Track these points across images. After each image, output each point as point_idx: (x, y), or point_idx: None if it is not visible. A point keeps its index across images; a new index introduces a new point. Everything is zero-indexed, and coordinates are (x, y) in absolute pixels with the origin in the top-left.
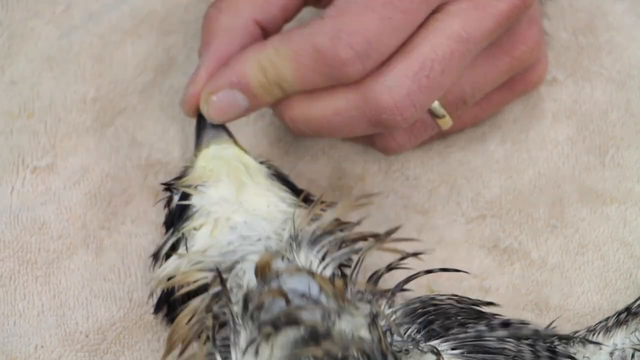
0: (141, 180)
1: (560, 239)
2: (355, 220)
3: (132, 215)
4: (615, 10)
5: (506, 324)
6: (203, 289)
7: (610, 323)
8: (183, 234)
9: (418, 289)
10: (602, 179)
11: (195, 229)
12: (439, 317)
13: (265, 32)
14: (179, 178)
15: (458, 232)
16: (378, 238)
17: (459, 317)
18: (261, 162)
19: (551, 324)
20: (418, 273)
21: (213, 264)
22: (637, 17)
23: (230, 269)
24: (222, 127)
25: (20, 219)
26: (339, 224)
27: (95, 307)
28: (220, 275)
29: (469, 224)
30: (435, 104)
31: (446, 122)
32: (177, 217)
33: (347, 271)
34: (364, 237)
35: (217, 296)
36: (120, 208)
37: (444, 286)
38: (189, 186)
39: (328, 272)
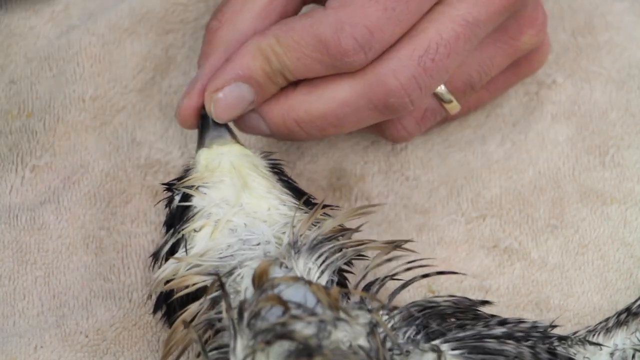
0: (140, 179)
1: (561, 239)
2: (355, 226)
3: (131, 215)
4: (614, 10)
5: (503, 322)
6: (201, 292)
7: (611, 323)
8: (183, 235)
9: (418, 289)
10: (602, 179)
11: (195, 230)
12: (436, 318)
13: None
14: (181, 178)
15: (458, 232)
16: (383, 248)
17: (457, 319)
18: (264, 156)
19: (552, 322)
20: (414, 278)
21: (211, 268)
22: (636, 17)
23: (229, 274)
24: (224, 127)
25: (20, 219)
26: (339, 230)
27: (95, 307)
28: (220, 281)
29: (469, 224)
30: (443, 89)
31: (454, 107)
32: (177, 218)
33: (347, 277)
34: (362, 243)
35: (214, 302)
36: (119, 208)
37: (444, 286)
38: (190, 187)
39: (325, 279)
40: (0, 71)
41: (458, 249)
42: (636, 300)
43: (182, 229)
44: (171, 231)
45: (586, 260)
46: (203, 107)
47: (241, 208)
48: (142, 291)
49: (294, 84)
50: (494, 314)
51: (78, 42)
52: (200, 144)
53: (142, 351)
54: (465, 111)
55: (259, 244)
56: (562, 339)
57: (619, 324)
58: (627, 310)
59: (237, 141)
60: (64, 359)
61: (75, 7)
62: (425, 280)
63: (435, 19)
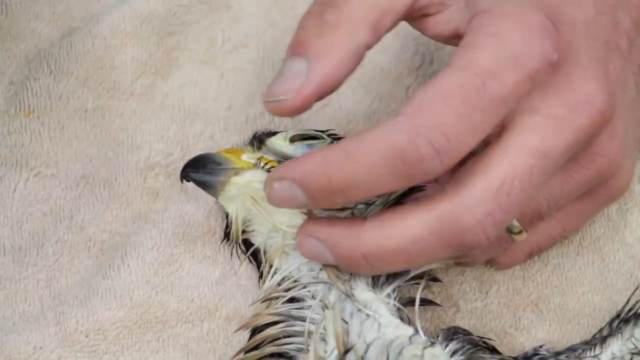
0: (141, 182)
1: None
2: None
3: (132, 216)
4: None
5: (514, 358)
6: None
7: (605, 333)
8: (262, 272)
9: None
10: None
11: (271, 265)
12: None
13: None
14: (227, 229)
15: None
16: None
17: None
18: (267, 169)
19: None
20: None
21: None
22: None
23: (301, 317)
24: (215, 168)
25: (21, 222)
26: None
27: (95, 305)
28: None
29: None
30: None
31: (521, 237)
32: (256, 260)
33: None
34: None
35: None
36: (120, 210)
37: (444, 287)
38: (243, 232)
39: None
40: (2, 74)
41: None
42: (624, 306)
43: (262, 270)
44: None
45: (586, 261)
46: (185, 167)
47: (280, 229)
48: (143, 290)
49: (362, 218)
50: (494, 314)
51: (80, 45)
52: (212, 192)
53: (142, 351)
54: (551, 243)
55: (321, 269)
56: (558, 354)
57: (613, 332)
58: (618, 317)
59: (234, 167)
60: (64, 359)
61: (77, 9)
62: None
63: (508, 151)
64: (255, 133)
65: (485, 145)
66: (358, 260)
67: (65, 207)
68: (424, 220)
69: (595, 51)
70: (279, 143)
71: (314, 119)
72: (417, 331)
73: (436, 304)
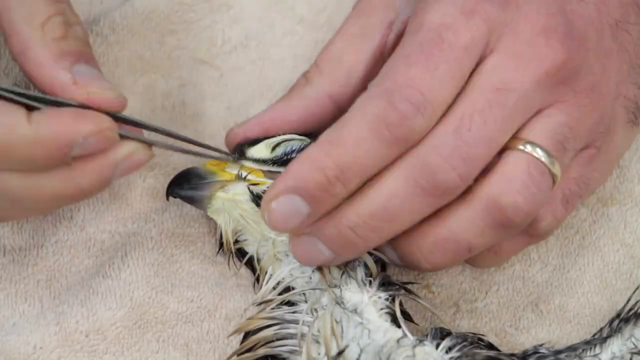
0: (141, 182)
1: (561, 239)
2: None
3: (132, 216)
4: None
5: (512, 354)
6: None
7: (605, 333)
8: (258, 275)
9: (419, 288)
10: None
11: (266, 271)
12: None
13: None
14: (220, 239)
15: None
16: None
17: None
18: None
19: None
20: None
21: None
22: None
23: (294, 320)
24: (196, 185)
25: (21, 222)
26: None
27: (95, 306)
28: None
29: None
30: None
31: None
32: (251, 267)
33: None
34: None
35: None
36: (120, 210)
37: (444, 287)
38: (236, 242)
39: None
40: (6, 75)
41: None
42: (624, 306)
43: (258, 274)
44: (255, 276)
45: (586, 261)
46: (171, 184)
47: (270, 238)
48: (143, 290)
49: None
50: (494, 313)
51: None
52: (200, 207)
53: (142, 351)
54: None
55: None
56: (558, 352)
57: (613, 331)
58: (618, 316)
59: (219, 180)
60: (64, 359)
61: (80, 8)
62: (424, 281)
63: (468, 92)
64: (237, 145)
65: None
66: (347, 235)
67: (65, 207)
68: (395, 173)
69: None
70: (260, 151)
71: None
72: (405, 334)
73: (411, 289)
